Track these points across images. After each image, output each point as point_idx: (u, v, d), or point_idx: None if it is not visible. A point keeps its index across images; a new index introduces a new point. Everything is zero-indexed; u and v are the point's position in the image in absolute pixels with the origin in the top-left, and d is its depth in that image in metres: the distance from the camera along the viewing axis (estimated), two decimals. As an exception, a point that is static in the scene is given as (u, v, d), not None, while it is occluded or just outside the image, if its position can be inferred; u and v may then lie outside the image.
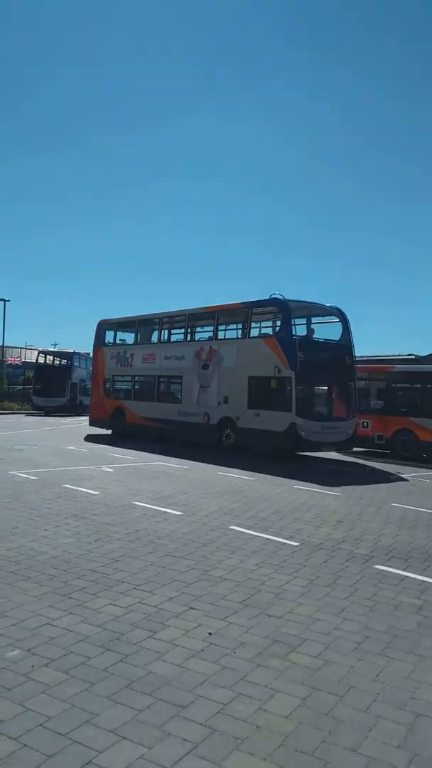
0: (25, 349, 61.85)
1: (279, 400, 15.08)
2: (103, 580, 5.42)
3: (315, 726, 3.18)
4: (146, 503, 9.05)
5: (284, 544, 7.05)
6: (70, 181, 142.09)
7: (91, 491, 9.92)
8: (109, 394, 22.10)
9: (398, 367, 20.60)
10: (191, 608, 4.82)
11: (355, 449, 19.13)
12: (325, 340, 16.92)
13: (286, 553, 6.66)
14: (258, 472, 13.27)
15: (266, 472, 13.37)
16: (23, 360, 58.72)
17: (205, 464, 14.19)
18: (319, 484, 11.90)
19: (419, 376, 19.05)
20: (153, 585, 5.34)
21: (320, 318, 17.54)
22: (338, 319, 16.83)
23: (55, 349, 43.84)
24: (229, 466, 13.85)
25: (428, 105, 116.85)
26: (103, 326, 23.08)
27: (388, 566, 6.31)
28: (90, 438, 20.43)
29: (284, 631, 4.46)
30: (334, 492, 11.02)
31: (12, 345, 62.70)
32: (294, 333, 15.73)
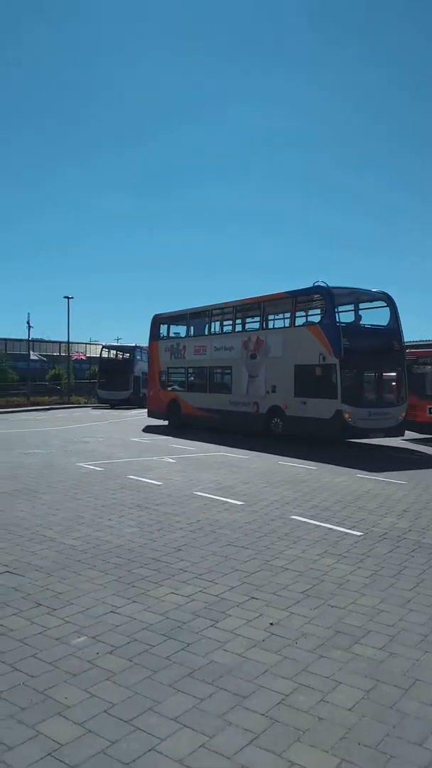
0: (90, 344, 63.39)
1: (325, 387, 15.10)
2: (166, 569, 5.50)
3: (379, 719, 3.11)
4: (207, 493, 9.11)
5: (347, 533, 6.93)
6: (126, 180, 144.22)
7: (154, 482, 10.07)
8: (164, 386, 22.52)
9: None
10: (252, 598, 4.82)
11: (423, 436, 18.65)
12: (372, 325, 16.69)
13: (349, 543, 6.55)
14: (319, 461, 13.10)
15: (327, 461, 13.19)
16: (88, 355, 60.19)
17: (265, 454, 14.14)
18: (379, 471, 11.65)
19: None
20: (214, 574, 5.37)
21: (367, 304, 17.32)
22: (386, 304, 16.59)
23: (118, 344, 44.74)
24: (290, 456, 13.75)
25: None
26: (157, 320, 23.48)
27: (457, 556, 6.10)
28: (149, 429, 20.74)
29: (347, 622, 4.39)
30: (399, 480, 10.75)
31: (77, 341, 64.45)
32: (338, 320, 15.71)
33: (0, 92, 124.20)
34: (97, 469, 11.49)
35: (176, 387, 22.05)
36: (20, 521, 7.28)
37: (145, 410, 24.55)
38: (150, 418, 23.34)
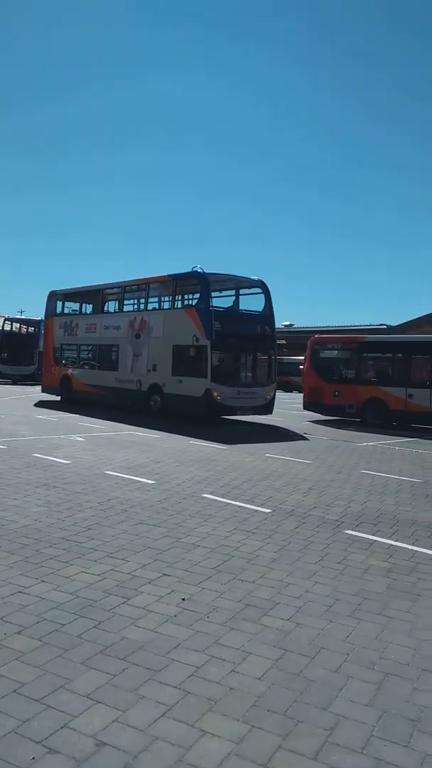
0: (-8, 316, 60.54)
1: (197, 367, 16.09)
2: (75, 548, 5.41)
3: (287, 687, 3.24)
4: (118, 472, 9.03)
5: (256, 511, 7.11)
6: (33, 140, 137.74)
7: (62, 460, 9.85)
8: (58, 363, 22.96)
9: (369, 336, 20.78)
10: (165, 575, 4.85)
11: (327, 418, 19.41)
12: (246, 311, 17.91)
13: (258, 519, 6.73)
14: (229, 442, 13.33)
15: (236, 441, 13.45)
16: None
17: (176, 435, 14.19)
18: (287, 451, 12.02)
19: (389, 345, 19.27)
20: (126, 552, 5.35)
21: (245, 290, 18.30)
22: (261, 291, 17.76)
23: (22, 317, 43.02)
24: (202, 437, 13.88)
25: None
26: (53, 296, 23.76)
27: (358, 531, 6.43)
28: (56, 406, 20.21)
29: (256, 595, 4.52)
30: (305, 460, 11.15)
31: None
32: (211, 304, 16.65)
33: None
34: (1, 447, 11.07)
35: (68, 363, 22.52)
36: None
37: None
38: (49, 394, 23.31)
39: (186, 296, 18.40)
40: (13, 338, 36.37)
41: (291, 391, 41.19)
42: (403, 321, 44.16)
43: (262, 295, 17.75)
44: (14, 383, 33.81)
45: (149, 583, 4.66)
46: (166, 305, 18.64)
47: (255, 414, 17.19)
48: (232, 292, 18.60)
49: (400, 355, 17.96)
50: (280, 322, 66.41)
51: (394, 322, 48.98)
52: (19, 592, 4.36)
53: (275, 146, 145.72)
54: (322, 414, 19.69)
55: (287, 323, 66.53)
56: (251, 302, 18.04)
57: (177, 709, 2.97)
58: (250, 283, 18.13)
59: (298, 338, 57.04)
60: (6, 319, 39.90)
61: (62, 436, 12.92)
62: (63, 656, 3.44)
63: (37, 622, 3.87)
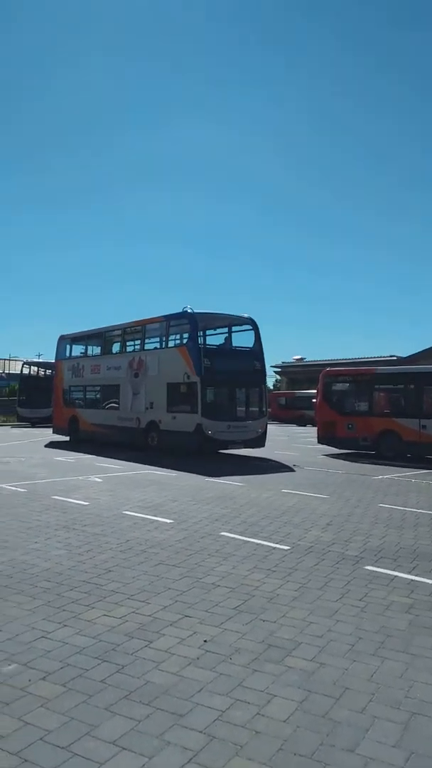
0: (9, 360, 61.39)
1: (188, 403, 16.78)
2: (97, 591, 5.43)
3: (312, 729, 3.22)
4: (136, 512, 9.06)
5: (275, 548, 7.10)
6: (44, 194, 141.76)
7: (81, 502, 9.90)
8: (66, 404, 23.80)
9: (380, 369, 20.82)
10: (186, 616, 4.85)
11: (342, 451, 19.34)
12: (236, 347, 18.73)
13: (277, 557, 6.71)
14: (245, 478, 13.33)
15: (253, 478, 13.45)
16: (7, 371, 58.25)
17: (191, 474, 14.22)
18: (303, 486, 11.99)
19: (401, 377, 19.28)
20: (147, 594, 5.36)
21: (236, 327, 19.06)
22: (251, 328, 18.48)
23: (40, 360, 43.63)
24: (217, 475, 13.90)
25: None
26: (62, 340, 24.71)
27: (378, 567, 6.39)
28: (74, 448, 20.34)
29: (279, 635, 4.51)
30: (322, 495, 11.11)
31: (-6, 356, 62.33)
32: (201, 342, 17.65)
33: None
34: (20, 490, 11.16)
35: (76, 404, 23.36)
36: None
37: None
38: (59, 435, 24.13)
39: (178, 335, 19.01)
40: (32, 381, 36.89)
41: (305, 425, 41.14)
42: (414, 352, 44.11)
43: (252, 332, 18.43)
44: (33, 426, 34.13)
45: (171, 625, 4.67)
46: (160, 345, 19.34)
47: (247, 447, 17.70)
48: (224, 329, 19.45)
49: (412, 386, 17.95)
50: (291, 356, 66.77)
51: (404, 354, 48.96)
52: (43, 637, 4.38)
53: (287, 195, 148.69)
54: (336, 447, 19.62)
55: (298, 357, 66.77)
56: (242, 339, 18.80)
57: (203, 754, 2.97)
58: (240, 321, 18.82)
59: (309, 372, 57.28)
60: (24, 363, 40.53)
61: (80, 477, 12.99)
62: (87, 702, 3.46)
63: (61, 668, 3.89)
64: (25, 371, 39.06)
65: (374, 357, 51.78)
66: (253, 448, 17.87)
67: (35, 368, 39.34)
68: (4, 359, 62.36)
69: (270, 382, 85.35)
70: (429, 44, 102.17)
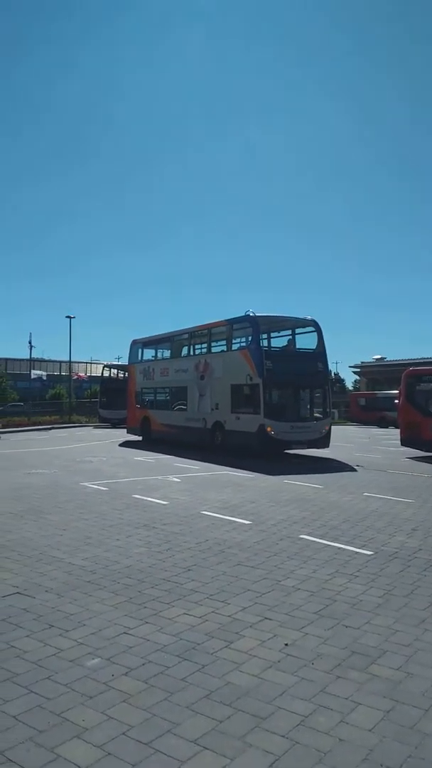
0: (91, 363, 63.51)
1: (252, 404, 17.10)
2: (177, 589, 5.46)
3: (400, 740, 3.08)
4: (214, 513, 9.08)
5: (357, 553, 6.90)
6: (128, 203, 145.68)
7: (160, 501, 10.04)
8: (139, 405, 24.73)
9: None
10: (266, 618, 4.79)
11: (427, 454, 18.63)
12: (299, 349, 18.86)
13: (359, 562, 6.51)
14: (324, 481, 13.08)
15: (332, 481, 13.18)
16: (89, 374, 60.25)
17: (269, 475, 14.12)
18: (386, 490, 11.62)
19: None
20: (226, 594, 5.34)
21: (300, 329, 19.13)
22: (314, 330, 18.52)
23: (119, 363, 44.82)
24: (296, 477, 13.73)
25: None
26: (134, 345, 25.77)
27: (468, 575, 6.07)
28: (152, 448, 20.71)
29: (363, 642, 4.36)
30: (407, 499, 10.72)
31: (78, 360, 64.67)
32: (263, 345, 18.09)
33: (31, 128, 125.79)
34: (102, 488, 11.46)
35: (147, 405, 24.15)
36: (27, 542, 7.25)
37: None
38: (133, 435, 25.17)
39: (241, 338, 19.20)
40: (112, 384, 37.93)
41: (386, 427, 39.99)
42: None
43: (315, 334, 18.45)
44: (113, 426, 35.05)
45: (251, 626, 4.62)
46: (224, 348, 19.69)
47: (311, 447, 17.83)
48: (287, 332, 19.60)
49: None
50: (371, 356, 65.20)
51: None
52: (125, 633, 4.45)
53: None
54: (421, 450, 18.89)
55: (378, 356, 65.11)
56: (305, 341, 18.84)
57: (285, 759, 2.89)
58: (303, 323, 18.92)
59: (390, 372, 55.65)
60: (105, 366, 41.79)
61: (159, 477, 13.19)
62: (169, 699, 3.46)
63: (143, 664, 3.92)
64: (105, 374, 40.22)
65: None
66: (317, 448, 18.01)
67: (115, 371, 40.44)
68: (86, 362, 64.60)
69: (349, 383, 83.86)
70: None
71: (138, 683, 3.66)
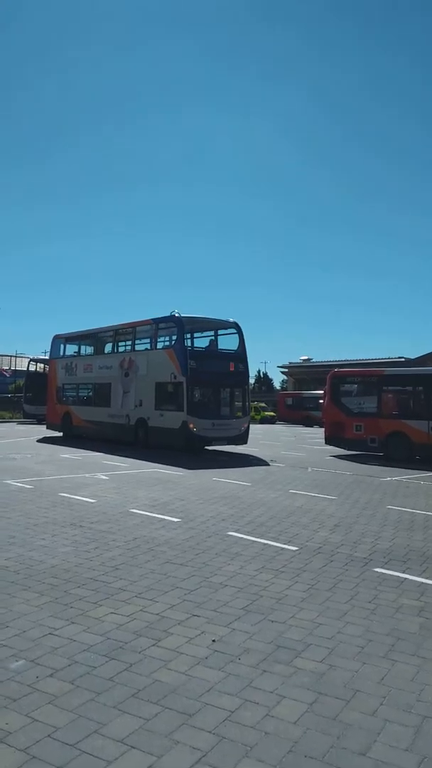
0: (16, 357, 61.55)
1: (175, 401, 17.75)
2: (104, 588, 5.40)
3: (323, 731, 3.18)
4: (143, 510, 9.03)
5: (283, 549, 7.05)
6: (51, 191, 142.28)
7: (88, 499, 9.89)
8: (60, 401, 24.81)
9: (389, 370, 20.72)
10: (194, 615, 4.82)
11: (349, 452, 19.26)
12: (221, 350, 19.72)
13: (285, 558, 6.66)
14: (252, 479, 13.29)
15: (260, 478, 13.41)
16: (15, 368, 58.36)
17: (199, 471, 14.20)
18: (311, 487, 11.94)
19: (410, 378, 19.19)
20: (154, 593, 5.33)
21: (222, 331, 20.03)
22: (235, 332, 19.45)
23: (46, 357, 43.72)
24: (225, 475, 13.87)
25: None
26: (56, 340, 25.90)
27: (387, 569, 6.33)
28: (81, 445, 20.36)
29: (288, 636, 4.46)
30: (330, 496, 11.05)
31: (3, 353, 62.55)
32: (187, 345, 18.66)
33: None
34: (27, 486, 11.16)
35: (69, 401, 24.34)
36: None
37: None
38: (52, 431, 25.13)
39: (166, 338, 19.74)
40: (38, 378, 36.84)
41: (311, 426, 41.04)
42: (422, 354, 43.97)
43: (236, 335, 19.34)
44: (38, 422, 34.12)
45: (179, 624, 4.63)
46: (149, 346, 20.22)
47: (230, 444, 18.72)
48: (210, 333, 20.34)
49: (421, 387, 17.84)
50: (299, 356, 66.70)
51: (413, 355, 48.79)
52: (50, 633, 4.36)
53: (292, 186, 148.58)
54: (344, 448, 19.53)
55: (305, 357, 66.70)
56: (227, 342, 19.74)
57: (212, 755, 2.93)
58: (225, 325, 19.81)
59: (316, 372, 57.14)
60: (31, 360, 40.60)
61: (87, 475, 12.99)
62: (95, 700, 3.43)
63: (69, 665, 3.86)
64: (32, 368, 39.13)
65: (382, 358, 51.67)
66: (236, 444, 18.85)
67: (41, 365, 39.38)
68: (11, 356, 62.51)
69: (277, 383, 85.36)
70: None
71: (64, 684, 3.60)
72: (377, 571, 6.24)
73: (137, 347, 20.92)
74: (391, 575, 6.11)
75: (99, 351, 23.53)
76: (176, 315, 18.46)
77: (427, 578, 6.04)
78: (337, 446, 19.63)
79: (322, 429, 20.98)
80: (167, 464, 15.24)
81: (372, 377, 19.46)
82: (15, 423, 36.87)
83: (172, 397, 18.00)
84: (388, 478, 14.05)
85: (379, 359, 51.14)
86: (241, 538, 7.52)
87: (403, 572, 6.23)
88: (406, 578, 6.02)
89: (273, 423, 46.19)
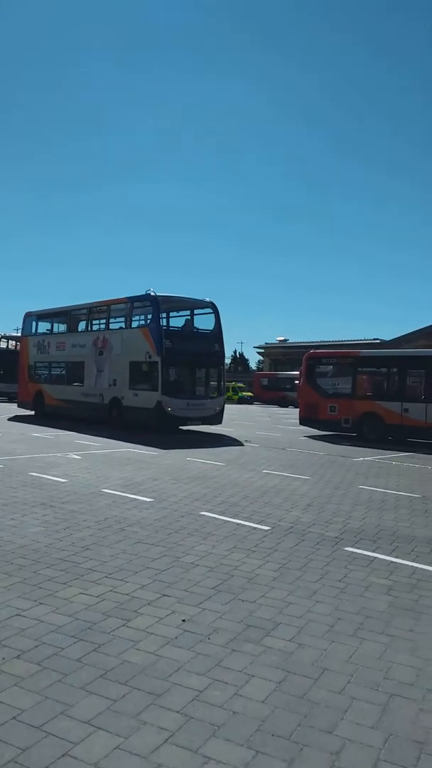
0: (-12, 334, 60.42)
1: (150, 381, 17.68)
2: (74, 569, 5.35)
3: (291, 710, 3.19)
4: (115, 491, 8.97)
5: (255, 528, 7.07)
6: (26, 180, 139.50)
7: (59, 479, 9.79)
8: (32, 379, 24.53)
9: (364, 351, 20.84)
10: (164, 595, 4.80)
11: (323, 433, 19.41)
12: (197, 329, 19.51)
13: (257, 537, 6.68)
14: (226, 459, 13.30)
15: (233, 458, 13.43)
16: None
17: (173, 451, 14.16)
18: (285, 468, 12.00)
19: (384, 360, 19.34)
20: (125, 573, 5.29)
21: (198, 310, 19.83)
22: (211, 311, 19.30)
23: (17, 334, 43.00)
24: (199, 455, 13.85)
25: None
26: (28, 317, 25.44)
27: (357, 548, 6.39)
28: (53, 424, 20.16)
29: (258, 615, 4.47)
30: (303, 476, 11.11)
31: (-26, 331, 61.34)
32: (162, 324, 18.43)
33: None
34: (-2, 465, 11.01)
35: (41, 379, 24.11)
36: None
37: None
38: (24, 409, 24.90)
39: (141, 316, 19.49)
40: (10, 356, 36.21)
41: (287, 406, 41.28)
42: (397, 335, 44.37)
43: (212, 315, 19.19)
44: (9, 401, 33.68)
45: (149, 604, 4.61)
46: (124, 324, 19.89)
47: (205, 423, 18.68)
48: (186, 312, 20.15)
49: (395, 369, 18.01)
50: (275, 337, 66.83)
51: (388, 337, 49.24)
52: (18, 615, 4.30)
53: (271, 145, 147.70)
54: (318, 429, 19.69)
55: (282, 338, 66.82)
56: (203, 322, 19.56)
57: (180, 734, 2.91)
58: (201, 304, 19.60)
59: (292, 353, 57.36)
60: (2, 337, 39.86)
61: (59, 454, 12.86)
62: (63, 681, 3.38)
63: (36, 646, 3.81)
64: (2, 345, 38.46)
65: (358, 340, 52.05)
66: (210, 425, 18.85)
67: (13, 342, 38.72)
68: (-16, 334, 61.39)
69: (253, 363, 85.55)
70: None
71: (30, 665, 3.55)
72: (348, 550, 6.30)
73: (112, 326, 20.64)
74: (361, 554, 6.17)
75: (72, 329, 23.18)
76: (152, 294, 18.19)
77: (396, 557, 6.11)
78: (312, 427, 19.78)
79: (297, 409, 21.09)
80: (141, 444, 15.17)
81: (347, 358, 19.57)
82: (-14, 402, 36.29)
83: (146, 376, 17.87)
84: (361, 459, 14.19)
85: (354, 341, 51.53)
86: (214, 518, 7.51)
87: (374, 551, 6.29)
88: (375, 557, 6.09)
89: (251, 403, 46.31)
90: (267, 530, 7.00)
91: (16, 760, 2.66)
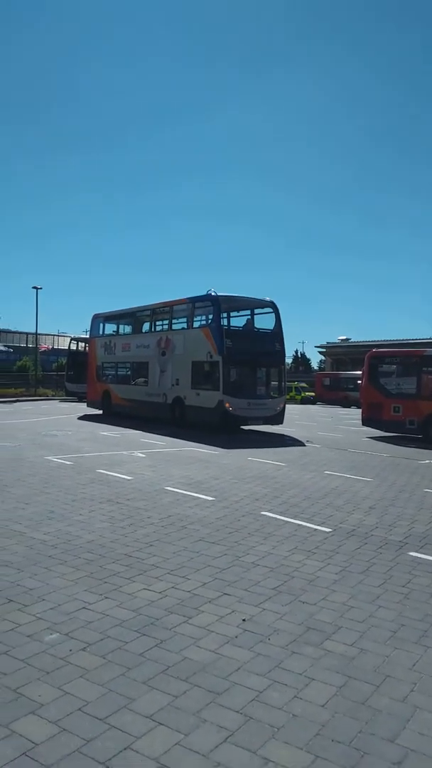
0: (58, 336, 62.51)
1: (211, 380, 17.76)
2: (138, 564, 5.48)
3: (351, 716, 3.16)
4: (178, 489, 9.10)
5: (316, 530, 7.01)
6: (96, 183, 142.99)
7: (125, 476, 10.02)
8: (100, 379, 25.05)
9: (429, 350, 20.22)
10: (225, 594, 4.84)
11: (386, 434, 18.99)
12: (258, 329, 19.46)
13: (318, 539, 6.63)
14: (285, 459, 13.23)
15: (294, 459, 13.35)
16: (56, 347, 59.32)
17: (235, 450, 14.21)
18: (347, 469, 11.83)
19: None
20: (186, 570, 5.38)
21: (259, 310, 19.74)
22: (272, 311, 19.25)
23: (86, 336, 44.22)
24: (260, 455, 13.85)
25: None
26: (95, 319, 26.00)
27: (422, 553, 6.23)
28: (120, 423, 20.62)
29: (318, 618, 4.45)
30: (366, 478, 10.93)
31: (45, 332, 63.62)
32: (224, 323, 18.44)
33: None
34: (67, 462, 11.37)
35: (108, 379, 24.57)
36: (-12, 515, 7.16)
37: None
38: (93, 408, 25.60)
39: (202, 317, 19.53)
40: (79, 357, 37.30)
41: (349, 407, 40.58)
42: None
43: (273, 315, 19.14)
44: (80, 400, 34.68)
45: (210, 602, 4.66)
46: (186, 325, 20.08)
47: (266, 424, 18.57)
48: (246, 312, 20.02)
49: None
50: (337, 336, 65.84)
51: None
52: (84, 608, 4.45)
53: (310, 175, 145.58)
54: (381, 430, 19.25)
55: (343, 337, 65.75)
56: (263, 321, 19.46)
57: (239, 734, 2.95)
58: (262, 304, 19.53)
59: (354, 352, 56.34)
60: (72, 339, 41.13)
61: (125, 452, 13.15)
62: (126, 675, 3.48)
63: (101, 639, 3.93)
64: (73, 347, 39.65)
65: (421, 339, 50.54)
66: (272, 424, 18.71)
67: (83, 344, 39.84)
68: (53, 335, 63.51)
69: (315, 363, 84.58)
70: None
71: (96, 658, 3.67)
72: (412, 555, 6.15)
73: (174, 326, 20.80)
74: (426, 560, 6.02)
75: (137, 330, 23.55)
76: (213, 294, 18.21)
77: (463, 564, 5.92)
78: (375, 428, 19.35)
79: (360, 410, 20.71)
80: (203, 443, 15.31)
81: (411, 357, 19.04)
82: (58, 401, 37.51)
83: (208, 376, 17.96)
84: (427, 461, 13.80)
85: (418, 339, 50.09)
86: (275, 518, 7.51)
87: (439, 557, 6.12)
88: (442, 563, 5.92)
89: (314, 403, 45.83)
90: (328, 532, 6.94)
91: (81, 751, 2.77)
